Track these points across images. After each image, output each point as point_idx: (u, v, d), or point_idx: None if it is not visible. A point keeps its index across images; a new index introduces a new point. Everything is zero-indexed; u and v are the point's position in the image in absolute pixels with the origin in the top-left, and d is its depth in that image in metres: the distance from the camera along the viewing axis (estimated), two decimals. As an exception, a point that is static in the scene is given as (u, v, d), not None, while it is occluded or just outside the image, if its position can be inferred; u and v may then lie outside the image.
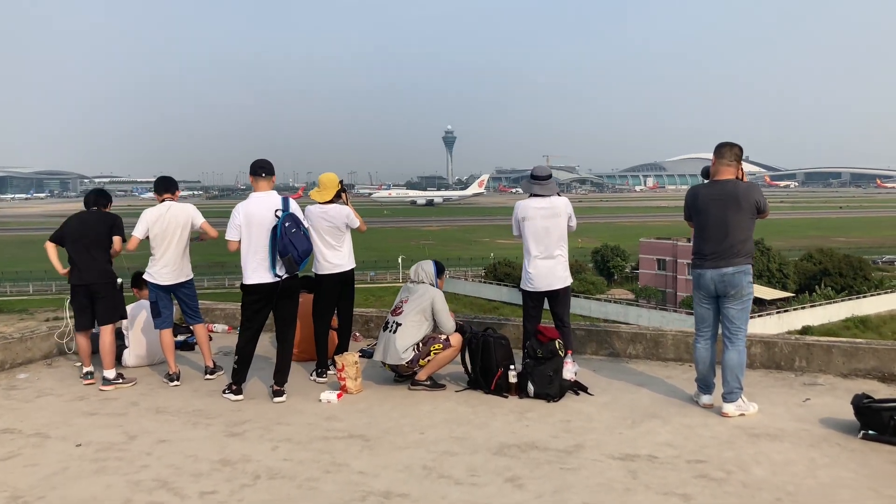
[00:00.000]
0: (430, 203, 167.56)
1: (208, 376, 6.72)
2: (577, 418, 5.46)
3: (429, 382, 6.20)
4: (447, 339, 6.19)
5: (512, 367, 6.01)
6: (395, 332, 6.20)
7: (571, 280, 6.51)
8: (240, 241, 5.98)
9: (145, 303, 7.06)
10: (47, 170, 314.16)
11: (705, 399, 5.69)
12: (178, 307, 7.02)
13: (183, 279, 6.66)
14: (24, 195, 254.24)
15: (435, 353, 6.15)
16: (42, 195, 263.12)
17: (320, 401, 5.94)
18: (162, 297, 6.64)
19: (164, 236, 6.50)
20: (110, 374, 6.52)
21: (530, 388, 5.89)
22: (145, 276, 6.68)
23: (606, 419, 5.45)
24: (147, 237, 6.52)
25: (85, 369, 6.68)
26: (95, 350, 6.80)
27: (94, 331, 7.06)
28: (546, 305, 6.54)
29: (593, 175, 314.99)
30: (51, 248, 6.60)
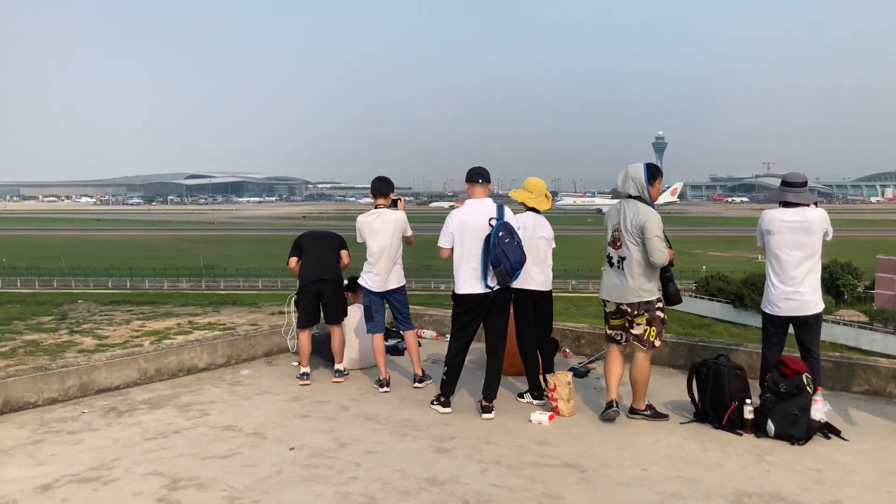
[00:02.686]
0: None
1: (417, 384, 6.62)
2: (831, 468, 4.65)
3: (649, 412, 5.63)
4: (661, 320, 5.53)
5: (748, 401, 5.29)
6: (621, 267, 5.47)
7: (823, 306, 5.64)
8: (452, 248, 5.80)
9: (359, 306, 7.15)
10: (277, 175, 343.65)
11: None
12: (389, 312, 7.02)
13: (395, 286, 6.62)
14: (256, 198, 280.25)
15: (648, 324, 5.50)
16: (272, 199, 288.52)
17: (530, 421, 5.59)
18: (375, 301, 6.65)
19: (376, 244, 6.51)
20: (342, 366, 6.92)
21: (770, 426, 5.14)
22: (359, 281, 6.73)
23: (867, 472, 4.59)
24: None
25: (302, 369, 6.83)
26: (313, 351, 7.00)
27: (314, 333, 7.24)
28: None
29: (820, 184, 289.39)
30: (293, 264, 7.00)
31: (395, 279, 6.62)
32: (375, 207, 6.64)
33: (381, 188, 6.68)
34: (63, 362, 6.58)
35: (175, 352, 7.07)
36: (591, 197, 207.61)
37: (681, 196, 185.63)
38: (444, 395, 5.89)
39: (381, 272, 6.54)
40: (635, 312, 5.49)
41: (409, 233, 6.73)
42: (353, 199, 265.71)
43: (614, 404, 5.56)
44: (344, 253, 7.02)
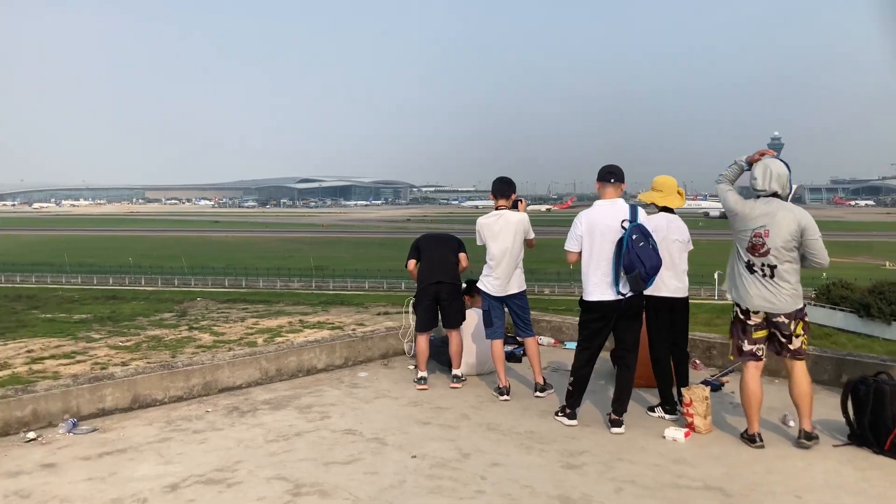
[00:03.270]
0: (724, 216, 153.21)
1: (538, 394, 6.34)
2: None
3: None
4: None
5: (915, 424, 4.74)
6: (772, 276, 4.93)
7: None
8: (580, 252, 5.50)
9: (478, 311, 6.95)
10: (383, 179, 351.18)
11: None
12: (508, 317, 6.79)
13: (515, 290, 6.38)
14: (364, 202, 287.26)
15: (803, 332, 5.04)
16: (378, 202, 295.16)
17: (664, 438, 5.22)
18: (495, 306, 6.41)
19: (496, 246, 6.29)
20: (459, 372, 6.75)
21: (943, 455, 4.59)
22: (479, 285, 6.53)
23: None
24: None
25: (419, 373, 6.69)
26: (430, 355, 6.86)
27: (430, 336, 7.10)
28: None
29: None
30: (412, 266, 6.93)
31: (517, 283, 6.37)
32: (496, 209, 6.41)
33: (503, 189, 6.44)
34: (187, 360, 6.70)
35: (295, 352, 7.09)
36: (702, 199, 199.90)
37: (796, 199, 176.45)
38: (570, 407, 5.59)
39: (501, 276, 6.30)
40: (792, 324, 5.03)
41: (532, 235, 6.44)
42: (456, 202, 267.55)
43: (758, 438, 5.04)
44: (462, 256, 6.85)
